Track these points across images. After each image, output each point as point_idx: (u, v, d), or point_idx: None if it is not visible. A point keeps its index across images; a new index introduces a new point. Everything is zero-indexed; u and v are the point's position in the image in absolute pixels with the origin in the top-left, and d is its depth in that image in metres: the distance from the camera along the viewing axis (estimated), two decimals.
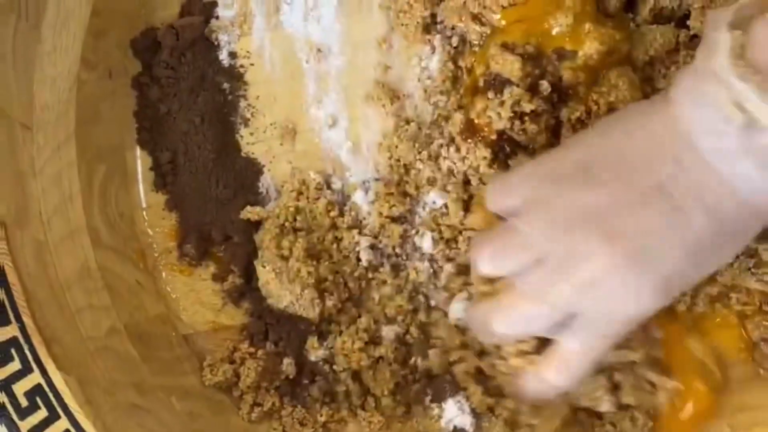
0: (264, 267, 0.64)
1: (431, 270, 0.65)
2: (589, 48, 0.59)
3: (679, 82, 0.50)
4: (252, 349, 0.66)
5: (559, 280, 0.52)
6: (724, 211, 0.49)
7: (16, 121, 0.61)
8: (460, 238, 0.64)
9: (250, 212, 0.67)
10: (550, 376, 0.56)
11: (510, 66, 0.59)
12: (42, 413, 0.56)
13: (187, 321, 0.68)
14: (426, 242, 0.65)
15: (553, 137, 0.61)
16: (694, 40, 0.62)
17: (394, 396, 0.65)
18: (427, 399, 0.64)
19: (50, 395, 0.57)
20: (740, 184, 0.48)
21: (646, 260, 0.50)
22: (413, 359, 0.65)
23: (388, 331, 0.65)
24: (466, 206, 0.63)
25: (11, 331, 0.57)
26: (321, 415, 0.65)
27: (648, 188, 0.50)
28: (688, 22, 0.61)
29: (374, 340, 0.65)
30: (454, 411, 0.64)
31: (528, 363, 0.57)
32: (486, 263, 0.56)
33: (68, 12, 0.63)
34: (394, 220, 0.65)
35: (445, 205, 0.64)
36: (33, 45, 0.62)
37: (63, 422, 0.56)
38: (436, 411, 0.64)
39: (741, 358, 0.62)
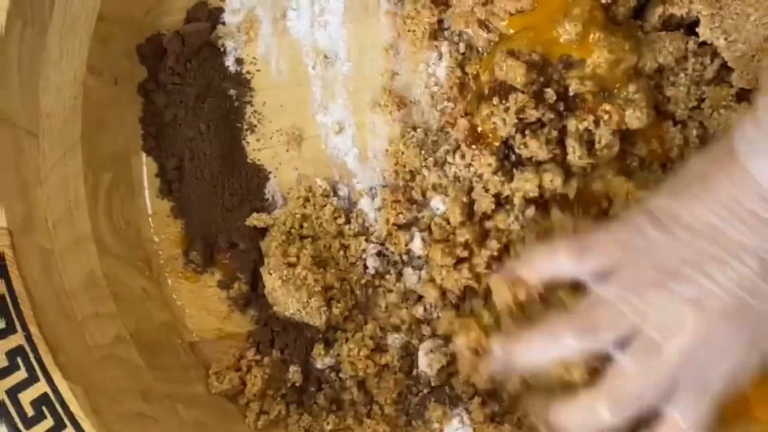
0: (270, 274, 0.64)
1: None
2: (598, 57, 0.59)
3: (742, 134, 0.50)
4: (258, 357, 0.66)
5: (667, 343, 0.51)
6: None
7: (21, 128, 0.60)
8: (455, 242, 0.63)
9: (256, 219, 0.67)
10: None
11: (514, 72, 0.59)
12: (48, 422, 0.56)
13: (193, 328, 0.68)
14: (416, 243, 0.65)
15: (558, 148, 0.60)
16: (703, 47, 0.61)
17: (397, 405, 0.64)
18: (428, 413, 0.64)
19: (56, 404, 0.56)
20: None
21: (738, 315, 0.50)
22: (417, 369, 0.65)
23: (393, 340, 0.65)
24: (468, 211, 0.63)
25: (17, 339, 0.57)
26: (327, 423, 0.64)
27: (732, 243, 0.50)
28: (697, 30, 0.61)
29: (380, 348, 0.65)
30: (455, 424, 0.64)
31: None
32: (573, 340, 0.53)
33: (74, 18, 0.63)
34: (400, 227, 0.65)
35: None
36: (39, 52, 0.61)
37: (69, 431, 0.56)
38: (436, 425, 0.64)
39: None
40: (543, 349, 0.54)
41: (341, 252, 0.66)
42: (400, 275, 0.66)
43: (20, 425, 0.55)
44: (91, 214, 0.64)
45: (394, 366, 0.64)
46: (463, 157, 0.63)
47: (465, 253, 0.62)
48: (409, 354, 0.65)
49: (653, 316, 0.51)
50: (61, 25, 0.62)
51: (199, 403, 0.64)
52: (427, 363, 0.64)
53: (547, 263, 0.55)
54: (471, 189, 0.63)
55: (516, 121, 0.59)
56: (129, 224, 0.67)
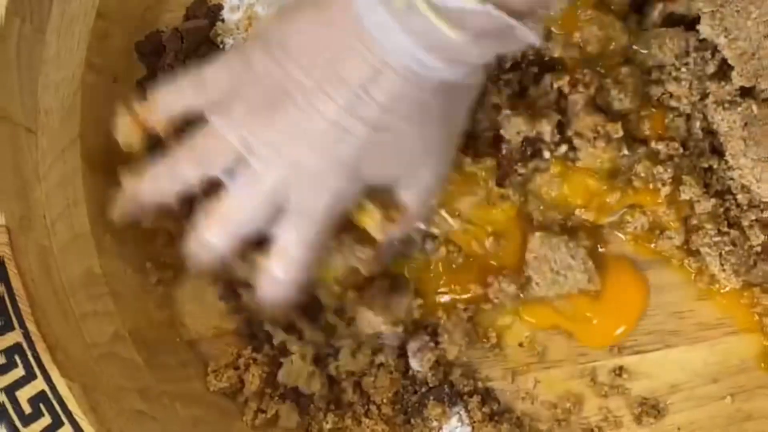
0: None
1: None
2: (588, 32, 0.59)
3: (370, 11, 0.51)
4: (256, 354, 0.66)
5: (265, 171, 0.54)
6: (400, 92, 0.51)
7: (20, 125, 0.60)
8: None
9: None
10: (277, 272, 0.57)
11: None
12: (46, 420, 0.56)
13: (191, 326, 0.67)
14: None
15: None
16: (703, 42, 0.61)
17: (395, 405, 0.64)
18: (426, 411, 0.64)
19: (54, 402, 0.56)
20: (409, 62, 0.50)
21: (328, 145, 0.53)
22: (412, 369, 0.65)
23: (387, 338, 0.65)
24: None
25: (15, 337, 0.56)
26: (326, 422, 0.64)
27: (331, 74, 0.51)
28: (697, 27, 0.60)
29: (376, 347, 0.65)
30: (453, 422, 0.64)
31: (254, 268, 0.58)
32: (191, 170, 0.57)
33: (73, 16, 0.63)
34: None
35: None
36: (37, 49, 0.61)
37: (67, 429, 0.56)
38: (435, 423, 0.64)
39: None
40: (168, 180, 0.58)
41: None
42: None
43: (18, 423, 0.55)
44: (90, 211, 0.64)
45: (389, 365, 0.64)
46: None
47: None
48: (404, 354, 0.65)
49: (255, 145, 0.54)
50: (59, 23, 0.62)
51: (198, 400, 0.64)
52: (417, 362, 0.64)
53: (171, 99, 0.58)
54: None
55: None
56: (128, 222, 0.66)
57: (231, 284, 0.66)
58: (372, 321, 0.62)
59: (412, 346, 0.64)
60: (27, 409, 0.56)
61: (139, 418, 0.60)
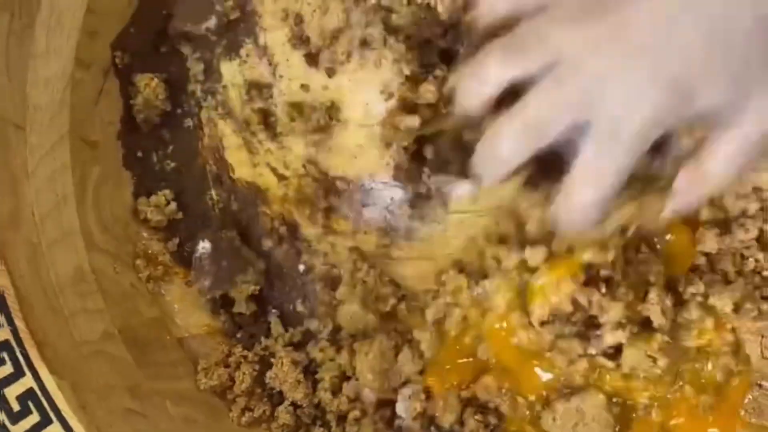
0: None
1: None
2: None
3: None
4: (246, 353, 0.66)
5: (573, 77, 0.49)
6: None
7: (9, 121, 0.60)
8: None
9: None
10: (583, 194, 0.51)
11: None
12: (34, 418, 0.55)
13: (181, 324, 0.67)
14: None
15: None
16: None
17: None
18: None
19: (42, 399, 0.56)
20: None
21: (655, 55, 0.48)
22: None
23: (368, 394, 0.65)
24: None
25: (3, 334, 0.56)
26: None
27: None
28: None
29: (356, 398, 0.65)
30: None
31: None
32: (498, 64, 0.51)
33: (62, 11, 0.62)
34: None
35: None
36: (26, 44, 0.61)
37: (56, 427, 0.56)
38: None
39: None
40: (476, 80, 0.53)
41: None
42: None
43: (6, 420, 0.55)
44: (79, 208, 0.63)
45: (374, 417, 0.64)
46: None
47: None
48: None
49: (565, 50, 0.50)
50: (48, 18, 0.61)
51: (188, 399, 0.64)
52: (404, 408, 0.63)
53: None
54: None
55: None
56: (117, 219, 0.66)
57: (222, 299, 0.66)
58: None
59: (405, 390, 0.64)
60: (15, 406, 0.55)
61: (129, 416, 0.60)
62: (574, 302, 0.57)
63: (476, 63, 0.53)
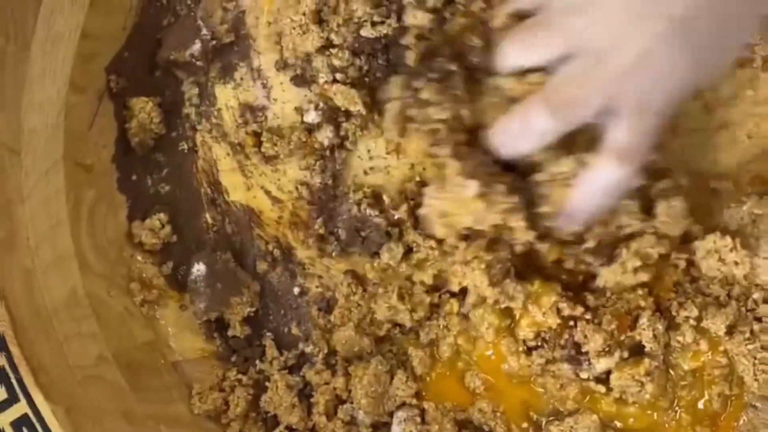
0: None
1: None
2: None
3: None
4: (241, 376, 0.65)
5: (598, 63, 0.52)
6: None
7: (3, 145, 0.60)
8: None
9: None
10: (614, 172, 0.54)
11: None
12: None
13: (176, 348, 0.67)
14: None
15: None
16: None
17: None
18: None
19: (37, 425, 0.56)
20: None
21: (679, 34, 0.50)
22: None
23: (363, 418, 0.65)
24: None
25: None
26: None
27: None
28: None
29: (351, 422, 0.65)
30: None
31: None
32: (515, 53, 0.55)
33: (57, 35, 0.62)
34: None
35: None
36: (21, 68, 0.61)
37: None
38: None
39: None
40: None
41: None
42: None
43: None
44: (73, 232, 0.63)
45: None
46: None
47: None
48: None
49: (595, 33, 0.52)
50: (44, 42, 0.62)
51: (182, 423, 0.64)
52: (399, 431, 0.63)
53: None
54: None
55: None
56: (111, 242, 0.66)
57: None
58: None
59: (400, 413, 0.64)
60: None
61: None
62: (560, 315, 0.58)
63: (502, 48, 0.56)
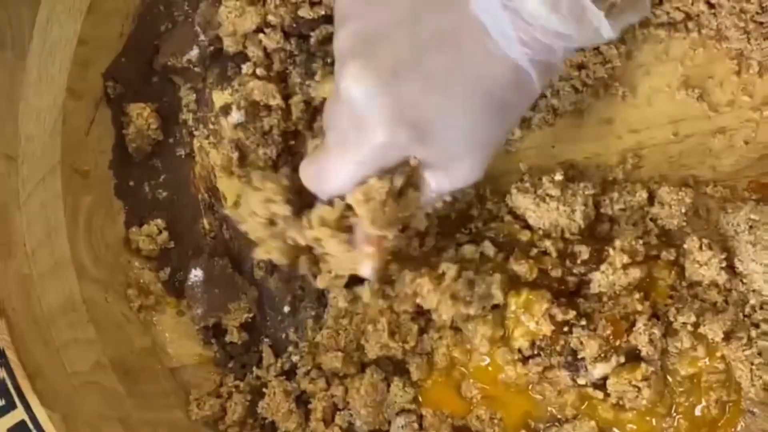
0: None
1: None
2: None
3: None
4: (239, 382, 0.65)
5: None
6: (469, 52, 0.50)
7: (0, 152, 0.60)
8: None
9: None
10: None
11: None
12: None
13: (173, 354, 0.67)
14: None
15: None
16: None
17: None
18: None
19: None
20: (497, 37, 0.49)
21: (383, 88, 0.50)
22: None
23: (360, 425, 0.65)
24: None
25: None
26: None
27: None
28: None
29: (348, 428, 0.65)
30: None
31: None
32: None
33: (54, 42, 0.62)
34: None
35: None
36: (18, 75, 0.61)
37: None
38: None
39: None
40: None
41: None
42: None
43: None
44: (70, 238, 0.63)
45: None
46: None
47: None
48: None
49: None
50: (41, 49, 0.62)
51: (180, 429, 0.64)
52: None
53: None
54: None
55: None
56: (109, 248, 0.66)
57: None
58: None
59: (398, 420, 0.64)
60: None
61: None
62: (553, 321, 0.58)
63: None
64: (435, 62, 0.50)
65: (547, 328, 0.58)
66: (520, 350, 0.60)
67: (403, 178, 0.53)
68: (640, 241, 0.60)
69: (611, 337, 0.58)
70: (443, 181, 0.54)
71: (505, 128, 0.56)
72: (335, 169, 0.54)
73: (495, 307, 0.60)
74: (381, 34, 0.51)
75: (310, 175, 0.56)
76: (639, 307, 0.59)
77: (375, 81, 0.50)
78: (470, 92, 0.51)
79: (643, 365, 0.58)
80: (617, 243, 0.59)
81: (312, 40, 0.63)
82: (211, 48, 0.66)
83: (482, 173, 0.55)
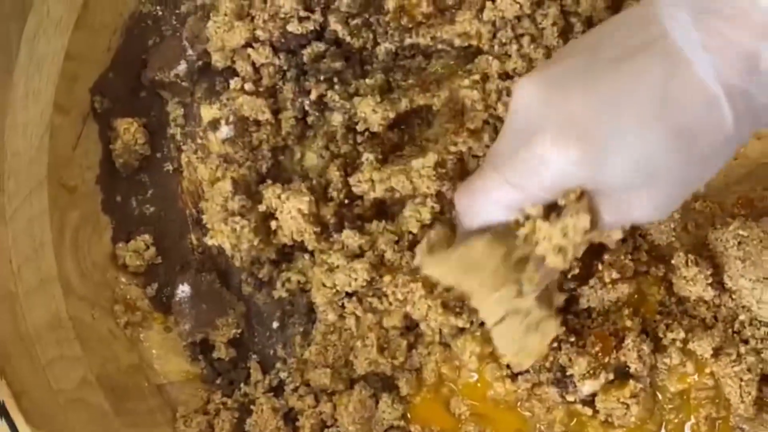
0: None
1: None
2: None
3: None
4: (226, 399, 0.65)
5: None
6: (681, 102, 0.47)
7: None
8: None
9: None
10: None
11: None
12: None
13: (160, 371, 0.66)
14: None
15: None
16: None
17: None
18: None
19: None
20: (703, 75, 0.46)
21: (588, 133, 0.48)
22: None
23: None
24: None
25: None
26: None
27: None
28: None
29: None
30: None
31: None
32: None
33: (41, 57, 0.62)
34: None
35: None
36: (5, 90, 0.61)
37: None
38: None
39: None
40: None
41: None
42: None
43: None
44: (57, 254, 0.63)
45: None
46: None
47: None
48: None
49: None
50: (27, 64, 0.61)
51: None
52: None
53: None
54: None
55: None
56: (95, 264, 0.66)
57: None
58: None
59: None
60: None
61: None
62: None
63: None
64: (610, 81, 0.48)
65: None
66: (508, 367, 0.60)
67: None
68: (630, 257, 0.60)
69: (600, 353, 0.58)
70: (614, 212, 0.50)
71: (695, 166, 0.49)
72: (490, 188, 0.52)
73: (483, 323, 0.59)
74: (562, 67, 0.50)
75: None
76: (628, 323, 0.59)
77: (543, 88, 0.49)
78: (648, 115, 0.47)
79: (631, 382, 0.58)
80: (606, 258, 0.59)
81: (305, 57, 0.63)
82: (200, 62, 0.66)
83: (668, 212, 0.52)
